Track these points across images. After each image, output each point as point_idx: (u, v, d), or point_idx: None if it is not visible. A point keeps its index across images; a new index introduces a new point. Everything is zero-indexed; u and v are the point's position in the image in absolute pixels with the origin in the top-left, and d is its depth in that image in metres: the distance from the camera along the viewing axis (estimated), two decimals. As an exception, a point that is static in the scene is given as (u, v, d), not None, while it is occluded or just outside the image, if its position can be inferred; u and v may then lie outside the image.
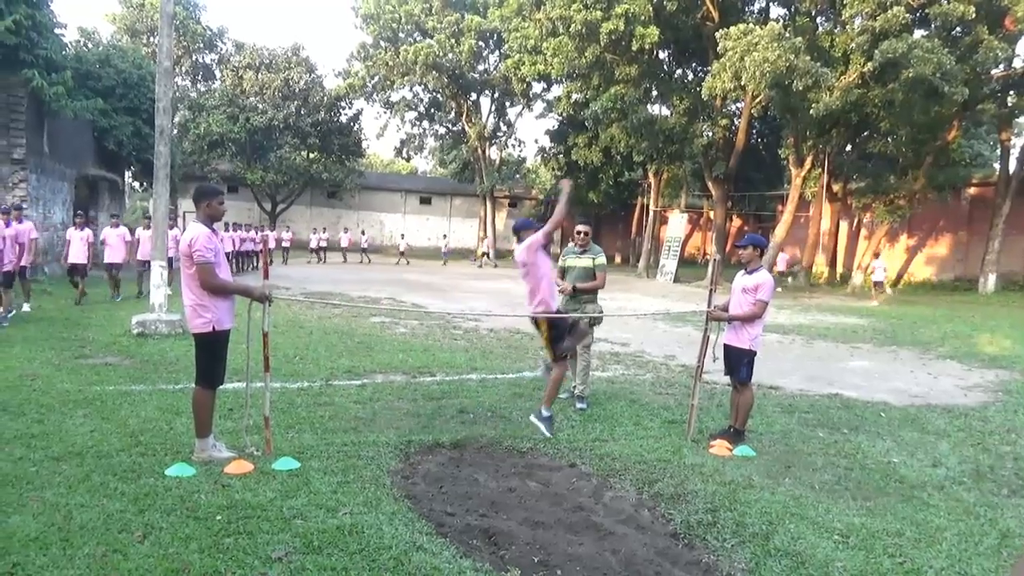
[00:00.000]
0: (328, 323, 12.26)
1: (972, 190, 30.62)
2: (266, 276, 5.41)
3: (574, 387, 7.13)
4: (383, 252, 44.89)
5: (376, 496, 4.40)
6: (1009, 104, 26.41)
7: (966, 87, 21.76)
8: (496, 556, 3.77)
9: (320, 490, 4.44)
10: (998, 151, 29.98)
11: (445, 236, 43.20)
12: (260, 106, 40.60)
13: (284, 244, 33.10)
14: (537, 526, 4.15)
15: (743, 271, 6.15)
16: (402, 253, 37.76)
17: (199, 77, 43.23)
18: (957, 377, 9.91)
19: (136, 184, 34.09)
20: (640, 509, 4.48)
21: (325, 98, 41.95)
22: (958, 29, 23.41)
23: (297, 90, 41.42)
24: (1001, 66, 24.96)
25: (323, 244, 34.35)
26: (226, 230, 24.26)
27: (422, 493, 4.60)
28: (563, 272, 7.23)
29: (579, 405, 6.96)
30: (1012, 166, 26.99)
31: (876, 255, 27.00)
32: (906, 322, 17.12)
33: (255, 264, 26.36)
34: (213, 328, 4.88)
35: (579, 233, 7.18)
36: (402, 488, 4.64)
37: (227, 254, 22.80)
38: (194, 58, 42.07)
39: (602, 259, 7.31)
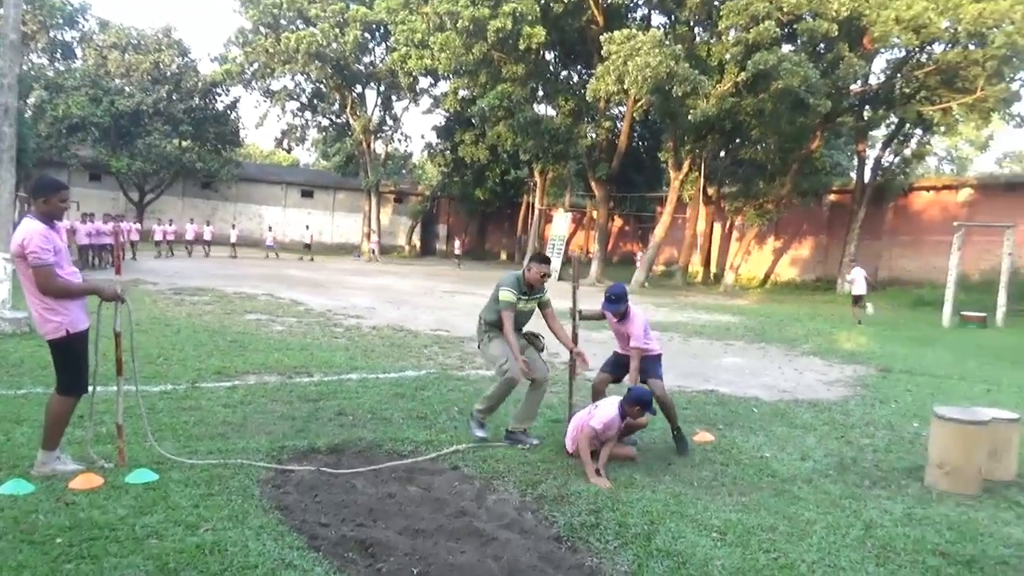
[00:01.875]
0: (198, 320, 11.54)
1: (832, 197, 33.03)
2: (118, 272, 4.94)
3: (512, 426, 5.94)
4: (261, 246, 43.09)
5: (243, 509, 4.08)
6: (865, 118, 28.62)
7: (828, 100, 23.38)
8: (373, 569, 3.57)
9: (179, 504, 4.07)
10: (855, 161, 32.34)
11: (308, 227, 41.72)
12: (127, 89, 38.08)
13: (169, 237, 30.79)
14: (417, 534, 3.97)
15: (611, 316, 5.96)
16: (307, 246, 36.85)
17: (57, 55, 39.85)
18: (820, 372, 10.46)
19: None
20: (523, 512, 4.38)
21: (199, 84, 39.83)
22: (822, 45, 25.04)
23: (168, 74, 39.11)
24: (859, 82, 26.92)
25: (170, 237, 31.15)
26: (83, 221, 22.50)
27: (294, 503, 4.32)
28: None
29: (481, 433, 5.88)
30: (867, 176, 29.27)
31: (853, 261, 23.34)
32: (773, 320, 18.10)
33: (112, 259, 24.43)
34: (67, 332, 4.38)
35: (545, 276, 5.85)
36: (272, 499, 4.34)
37: (85, 247, 21.11)
38: (52, 34, 38.74)
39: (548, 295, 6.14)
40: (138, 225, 29.73)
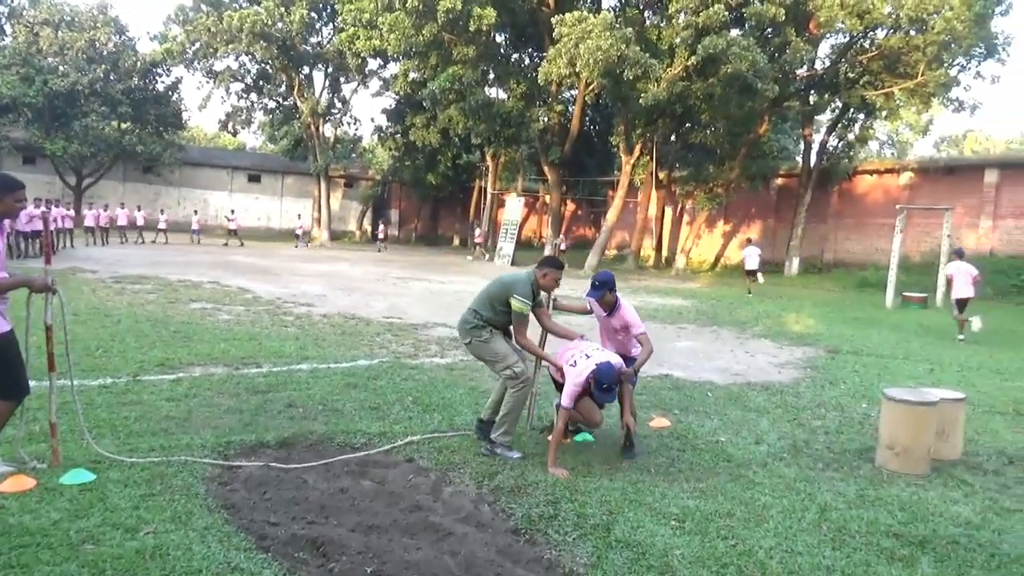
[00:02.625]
0: (140, 310, 11.11)
1: (779, 181, 33.62)
2: (48, 261, 4.66)
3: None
4: (208, 232, 41.93)
5: (186, 509, 3.91)
6: (811, 102, 29.11)
7: (776, 84, 23.66)
8: (324, 569, 3.44)
9: (118, 506, 3.87)
10: (801, 145, 32.90)
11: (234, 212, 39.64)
12: (61, 68, 36.46)
13: (102, 223, 29.04)
14: (371, 531, 3.86)
15: (599, 309, 5.56)
16: (232, 232, 35.05)
17: (-16, 32, 38.07)
18: (771, 355, 10.61)
19: None
20: (480, 505, 4.30)
21: (138, 63, 38.32)
22: (770, 30, 25.33)
23: (105, 53, 37.58)
24: (805, 67, 27.35)
25: (103, 223, 29.16)
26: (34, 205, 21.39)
27: (242, 501, 4.15)
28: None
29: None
30: (813, 160, 29.83)
31: (749, 241, 25.14)
32: (724, 303, 18.36)
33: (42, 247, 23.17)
34: None
35: (558, 282, 5.50)
36: (219, 497, 4.16)
37: (23, 234, 20.10)
38: (-23, 9, 36.98)
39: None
40: (71, 212, 27.94)
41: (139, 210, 32.80)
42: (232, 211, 38.86)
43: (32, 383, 4.50)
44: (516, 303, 5.17)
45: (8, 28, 38.09)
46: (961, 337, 12.75)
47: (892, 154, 50.55)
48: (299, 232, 38.15)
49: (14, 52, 35.35)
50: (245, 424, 5.57)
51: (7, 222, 4.44)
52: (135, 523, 3.68)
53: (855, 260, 29.47)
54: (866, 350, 11.25)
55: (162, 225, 32.89)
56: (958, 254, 13.58)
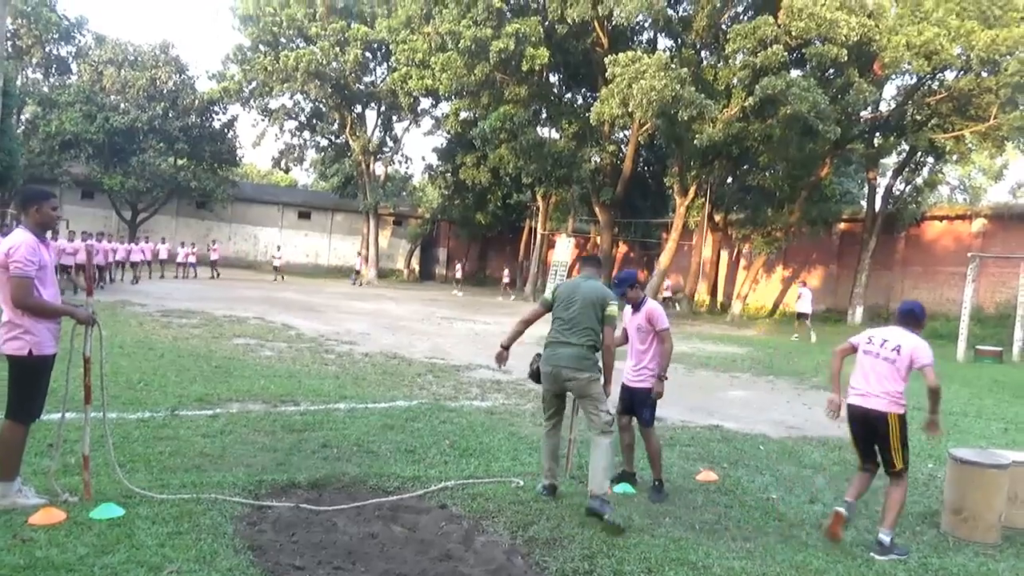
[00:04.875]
0: (184, 344, 11.23)
1: (842, 225, 32.38)
2: (90, 293, 4.69)
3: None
4: (256, 268, 42.77)
5: (212, 549, 3.82)
6: (876, 145, 28.24)
7: (838, 126, 22.99)
8: (349, 619, 3.30)
9: (144, 543, 3.80)
10: (865, 189, 31.91)
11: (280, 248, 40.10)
12: (122, 106, 37.70)
13: (161, 257, 29.87)
14: (398, 580, 3.71)
15: (630, 309, 5.65)
16: (276, 268, 35.51)
17: (53, 70, 39.70)
18: (831, 408, 10.12)
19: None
20: (513, 556, 4.12)
21: (196, 101, 39.55)
22: (831, 71, 24.86)
23: (165, 91, 38.84)
24: (869, 108, 26.70)
25: (148, 257, 28.55)
26: (84, 237, 22.12)
27: (269, 543, 4.05)
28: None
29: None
30: (878, 204, 28.74)
31: (803, 283, 24.86)
32: (782, 351, 17.61)
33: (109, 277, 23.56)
34: (30, 352, 4.19)
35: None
36: (246, 537, 4.07)
37: (75, 267, 20.64)
38: (47, 49, 38.63)
39: None
40: (127, 245, 28.19)
41: (182, 247, 32.12)
42: (279, 248, 39.63)
43: (69, 415, 4.51)
44: (613, 308, 5.02)
45: (74, 67, 39.84)
46: None
47: (964, 199, 48.54)
48: (359, 268, 38.42)
49: (79, 90, 36.72)
50: (278, 463, 5.49)
51: (53, 245, 4.53)
52: (159, 561, 3.62)
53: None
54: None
55: (214, 257, 33.62)
56: None
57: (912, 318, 4.92)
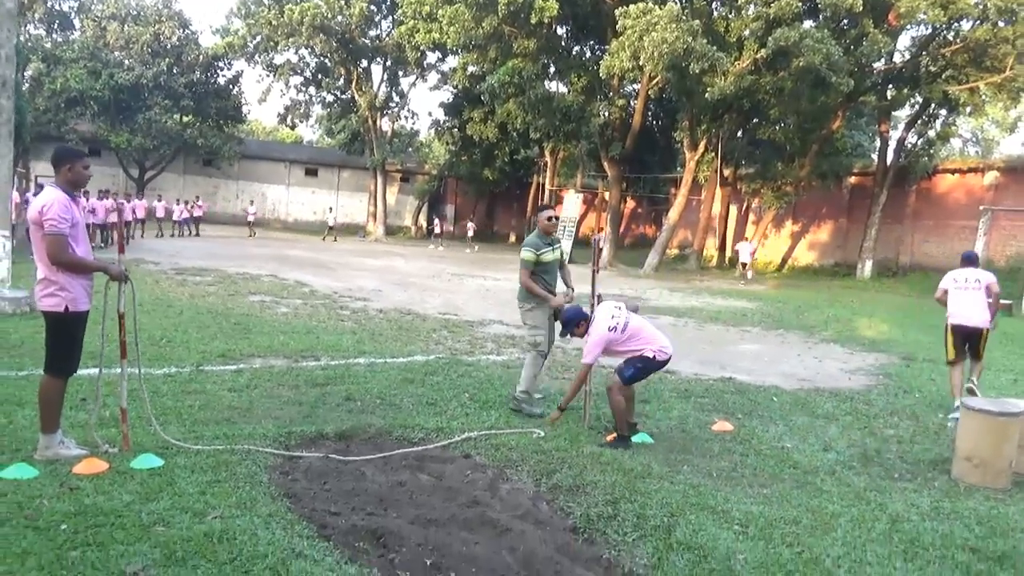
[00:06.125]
0: (201, 302, 11.39)
1: (852, 179, 32.14)
2: (121, 251, 4.79)
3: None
4: (264, 225, 42.79)
5: (251, 496, 3.98)
6: (889, 97, 27.85)
7: (851, 78, 22.65)
8: (385, 559, 3.47)
9: (186, 491, 3.96)
10: (877, 142, 31.55)
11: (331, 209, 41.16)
12: (126, 62, 37.42)
13: (159, 215, 29.76)
14: (429, 524, 3.87)
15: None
16: (250, 224, 34.90)
17: (55, 26, 39.26)
18: (841, 361, 10.24)
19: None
20: (538, 502, 4.28)
21: (201, 57, 39.18)
22: (845, 21, 24.42)
23: (169, 46, 38.46)
24: (883, 60, 26.27)
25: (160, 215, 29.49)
26: (97, 197, 22.20)
27: (303, 491, 4.22)
28: (539, 267, 6.33)
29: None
30: (889, 157, 28.39)
31: (745, 239, 29.46)
32: (791, 306, 17.71)
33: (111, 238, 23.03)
34: (66, 308, 4.31)
35: (551, 220, 6.56)
36: (281, 486, 4.24)
37: (97, 225, 20.79)
38: (49, 4, 38.12)
39: (563, 244, 7.13)
40: (145, 203, 28.64)
41: (252, 204, 33.84)
42: (252, 201, 39.61)
43: (105, 370, 4.66)
44: (522, 254, 6.37)
45: (77, 23, 39.36)
46: None
47: (976, 152, 47.98)
48: (331, 224, 37.65)
49: (82, 47, 36.34)
50: (305, 416, 5.66)
51: (83, 202, 4.62)
52: (202, 507, 3.77)
53: (933, 263, 27.63)
54: (944, 359, 10.69)
55: (250, 218, 34.48)
56: None
57: (975, 259, 7.60)
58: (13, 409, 5.17)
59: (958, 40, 24.87)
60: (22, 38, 32.63)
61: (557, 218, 6.76)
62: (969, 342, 7.30)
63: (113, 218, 21.33)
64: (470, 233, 39.71)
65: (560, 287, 6.54)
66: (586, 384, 5.86)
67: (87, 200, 20.79)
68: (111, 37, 37.56)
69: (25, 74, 34.00)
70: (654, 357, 5.47)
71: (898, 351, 11.31)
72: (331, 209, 40.07)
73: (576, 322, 5.71)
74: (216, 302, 11.49)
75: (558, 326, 6.08)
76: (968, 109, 27.31)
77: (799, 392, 7.83)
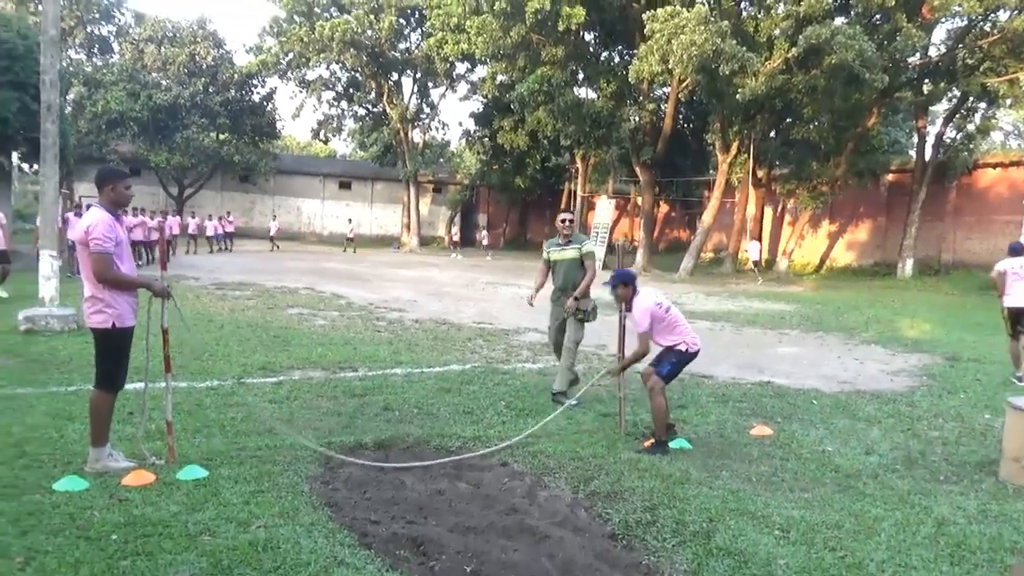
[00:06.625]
0: (241, 316, 11.61)
1: (890, 176, 31.38)
2: (163, 268, 4.93)
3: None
4: (300, 239, 43.38)
5: (293, 505, 4.07)
6: (925, 92, 27.21)
7: (885, 74, 22.19)
8: (425, 567, 3.52)
9: (231, 501, 4.06)
10: (914, 138, 30.81)
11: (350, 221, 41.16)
12: (164, 83, 38.30)
13: (191, 232, 30.17)
14: (468, 531, 3.91)
15: (626, 311, 5.81)
16: (272, 239, 35.25)
17: (95, 50, 40.33)
18: (882, 362, 10.06)
19: (25, 166, 31.67)
20: (576, 509, 4.29)
21: (235, 75, 39.89)
22: (878, 16, 24.00)
23: (204, 66, 39.25)
24: (918, 54, 25.74)
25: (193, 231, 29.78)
26: (134, 214, 22.73)
27: (344, 500, 4.29)
28: (550, 267, 7.06)
29: (570, 402, 6.38)
30: (927, 153, 27.69)
31: (753, 239, 30.37)
32: (830, 308, 17.41)
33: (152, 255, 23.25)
34: (113, 325, 4.45)
35: (564, 222, 7.01)
36: (322, 495, 4.32)
37: (140, 243, 21.28)
38: (89, 29, 39.24)
39: (590, 246, 7.09)
40: (179, 219, 29.35)
41: (275, 218, 34.43)
42: (350, 220, 40.55)
43: (150, 384, 4.80)
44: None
45: (116, 47, 40.45)
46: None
47: (1019, 145, 46.58)
48: (350, 236, 37.81)
49: (121, 69, 37.24)
50: (344, 426, 5.74)
51: (126, 220, 4.77)
52: (247, 517, 3.86)
53: (977, 261, 26.79)
54: (989, 358, 10.38)
55: (272, 232, 34.86)
56: None
57: (1021, 249, 8.90)
58: (64, 423, 5.34)
59: (995, 31, 24.24)
60: (64, 63, 33.60)
61: (571, 220, 6.99)
62: (1020, 321, 8.80)
63: (144, 235, 21.86)
64: (484, 242, 39.71)
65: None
66: (621, 391, 5.89)
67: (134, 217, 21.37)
68: (148, 59, 38.49)
69: (68, 98, 34.97)
70: (687, 350, 5.52)
71: (942, 351, 11.06)
72: (350, 221, 40.46)
73: (623, 282, 5.74)
74: (255, 316, 11.70)
75: (571, 325, 6.68)
76: (1008, 101, 26.62)
77: (840, 395, 7.71)
